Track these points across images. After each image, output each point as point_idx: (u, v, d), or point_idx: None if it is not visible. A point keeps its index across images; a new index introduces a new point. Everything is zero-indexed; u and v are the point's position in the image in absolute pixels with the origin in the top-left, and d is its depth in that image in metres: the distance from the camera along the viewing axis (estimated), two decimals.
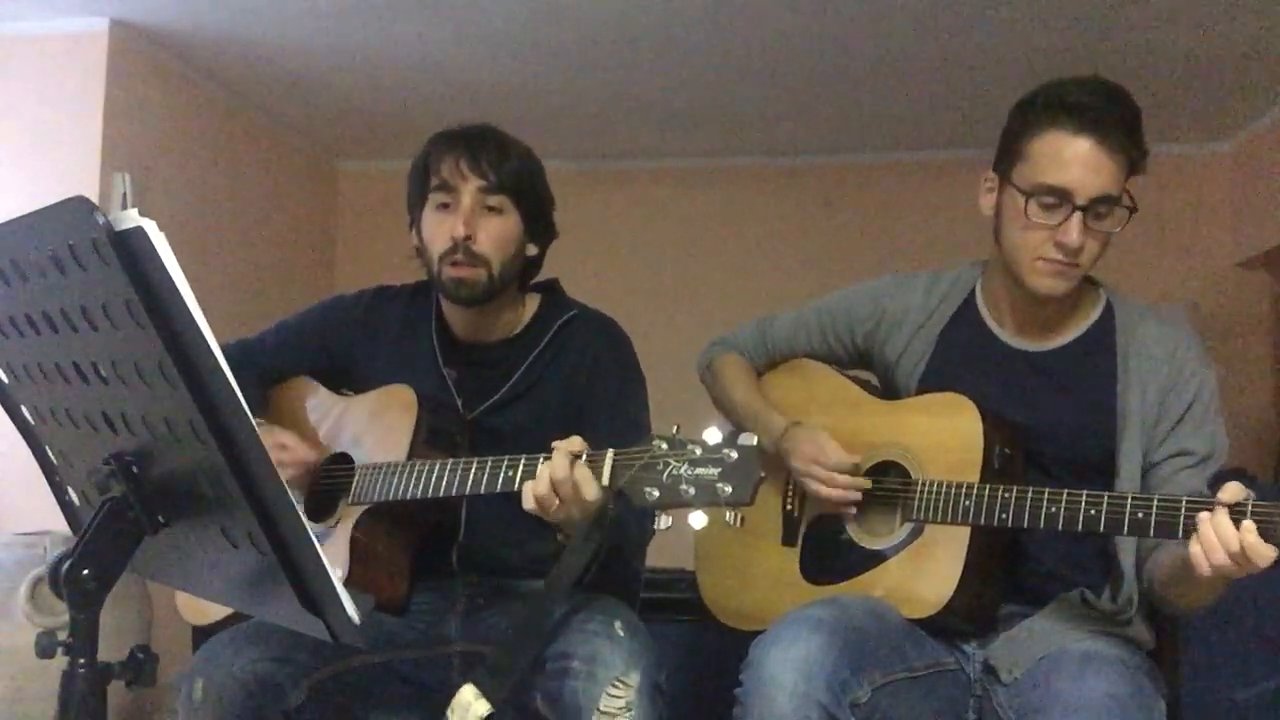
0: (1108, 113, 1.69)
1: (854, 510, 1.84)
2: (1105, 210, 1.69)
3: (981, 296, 1.90)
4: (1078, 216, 1.68)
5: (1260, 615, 2.76)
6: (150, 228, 0.95)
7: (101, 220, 0.95)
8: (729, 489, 1.48)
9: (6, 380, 1.30)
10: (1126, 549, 1.71)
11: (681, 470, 1.49)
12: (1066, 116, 1.69)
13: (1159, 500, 1.52)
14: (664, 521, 1.54)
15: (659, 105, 4.35)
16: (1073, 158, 1.68)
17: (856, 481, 1.81)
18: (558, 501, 1.59)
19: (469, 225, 1.88)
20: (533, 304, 2.04)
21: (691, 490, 1.49)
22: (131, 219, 0.96)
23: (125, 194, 3.56)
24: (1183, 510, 1.49)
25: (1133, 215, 1.72)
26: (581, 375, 1.95)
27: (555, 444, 1.62)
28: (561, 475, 1.57)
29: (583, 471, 1.58)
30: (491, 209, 1.91)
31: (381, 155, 5.03)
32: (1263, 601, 2.74)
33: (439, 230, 1.91)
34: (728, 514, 1.51)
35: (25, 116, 3.58)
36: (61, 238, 1.00)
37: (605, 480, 1.57)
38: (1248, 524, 1.42)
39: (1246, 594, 2.68)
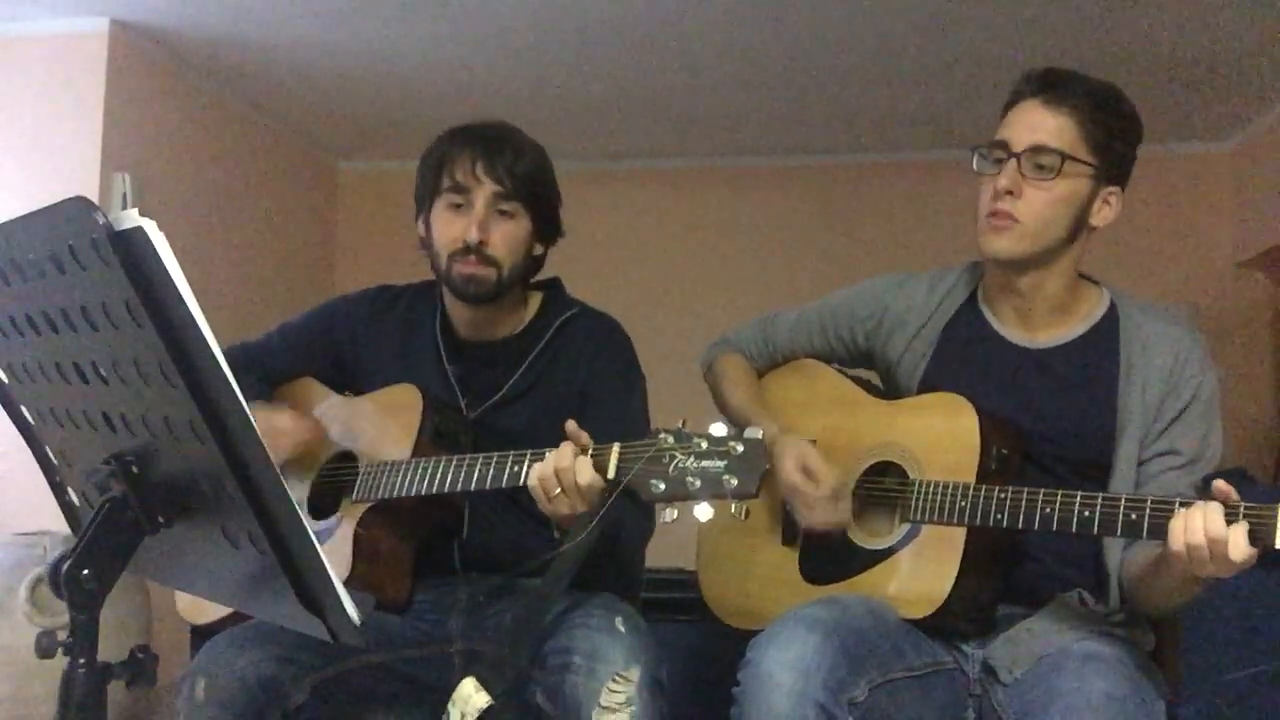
0: (1070, 81, 1.73)
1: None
2: (1047, 163, 1.71)
3: (984, 294, 1.90)
4: (1011, 163, 1.72)
5: (1245, 608, 2.85)
6: (150, 228, 0.95)
7: (101, 220, 0.95)
8: (735, 481, 1.48)
9: (6, 380, 1.30)
10: (1113, 551, 1.71)
11: (687, 463, 1.50)
12: (1026, 85, 1.76)
13: (1152, 503, 1.51)
14: (669, 514, 1.54)
15: (659, 105, 4.35)
16: (1017, 114, 1.76)
17: (840, 512, 1.80)
18: (558, 489, 1.61)
19: (483, 230, 1.88)
20: (534, 302, 2.04)
21: (697, 482, 1.50)
22: (131, 219, 0.96)
23: (125, 194, 3.57)
24: (1176, 513, 1.48)
25: (1101, 187, 1.74)
26: (582, 373, 1.96)
27: (567, 427, 1.66)
28: (565, 463, 1.61)
29: (583, 463, 1.60)
30: (504, 213, 1.91)
31: (381, 155, 5.03)
32: (1244, 596, 2.84)
33: (450, 231, 1.91)
34: (733, 506, 1.52)
35: (25, 116, 3.58)
36: (61, 238, 1.00)
37: (611, 473, 1.58)
38: (1240, 526, 1.41)
39: (1231, 594, 2.80)
